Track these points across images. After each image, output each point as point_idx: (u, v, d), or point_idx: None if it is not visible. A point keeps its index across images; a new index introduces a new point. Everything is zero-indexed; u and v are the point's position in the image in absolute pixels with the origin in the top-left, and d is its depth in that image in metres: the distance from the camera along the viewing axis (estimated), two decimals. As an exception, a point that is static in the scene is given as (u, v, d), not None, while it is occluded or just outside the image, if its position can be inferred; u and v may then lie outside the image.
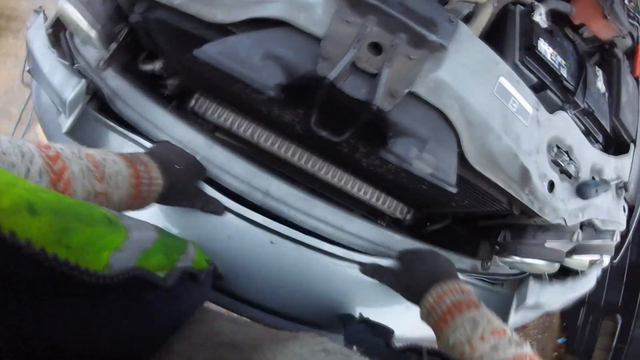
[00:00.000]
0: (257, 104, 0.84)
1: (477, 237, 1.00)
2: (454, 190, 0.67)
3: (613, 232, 1.00)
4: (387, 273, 0.81)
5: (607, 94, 1.05)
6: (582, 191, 0.85)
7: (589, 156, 0.89)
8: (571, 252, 0.99)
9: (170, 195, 0.68)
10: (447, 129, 0.68)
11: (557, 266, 0.93)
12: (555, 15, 1.02)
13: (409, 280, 0.76)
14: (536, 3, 0.97)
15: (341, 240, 0.85)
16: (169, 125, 0.83)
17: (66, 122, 0.82)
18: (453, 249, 0.97)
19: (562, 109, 0.85)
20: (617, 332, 2.06)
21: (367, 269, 0.84)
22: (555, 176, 0.80)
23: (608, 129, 0.99)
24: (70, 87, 0.85)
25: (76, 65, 0.84)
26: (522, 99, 0.74)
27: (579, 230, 0.90)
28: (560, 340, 2.52)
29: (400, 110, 0.66)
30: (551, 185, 0.79)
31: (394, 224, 1.09)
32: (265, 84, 0.61)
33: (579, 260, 1.01)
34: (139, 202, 0.62)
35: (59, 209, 0.29)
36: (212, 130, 1.03)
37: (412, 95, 0.66)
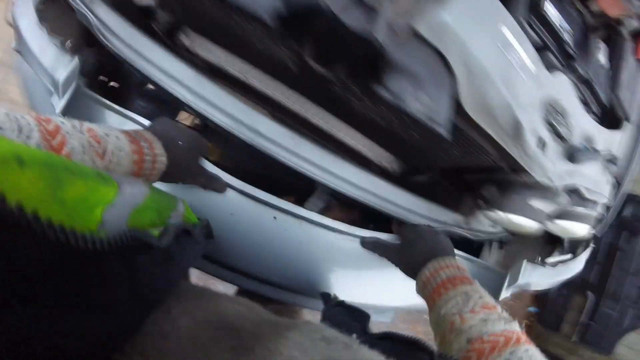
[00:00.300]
0: (250, 38, 0.83)
1: (462, 192, 1.01)
2: (446, 135, 0.68)
3: (597, 203, 1.02)
4: (387, 248, 0.85)
5: (607, 68, 1.05)
6: (572, 155, 0.86)
7: (582, 123, 0.90)
8: (554, 217, 1.01)
9: (173, 173, 0.66)
10: (445, 73, 0.69)
11: (538, 228, 0.94)
12: (565, -14, 1.02)
13: (408, 255, 0.80)
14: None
15: (328, 182, 0.86)
16: (159, 57, 0.82)
17: (59, 103, 0.80)
18: (437, 201, 0.99)
19: (561, 72, 0.85)
20: (586, 309, 2.12)
21: (367, 243, 0.88)
22: (547, 136, 0.81)
23: (605, 102, 0.99)
24: (63, 66, 0.82)
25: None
26: (524, 53, 0.74)
27: (564, 194, 0.92)
28: (531, 309, 2.59)
29: (399, 47, 0.66)
30: (542, 144, 0.80)
31: (382, 175, 1.10)
32: (260, 8, 0.61)
33: (561, 226, 1.03)
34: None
35: (49, 161, 0.28)
36: (202, 67, 1.02)
37: (414, 33, 0.66)
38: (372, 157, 1.07)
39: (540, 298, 2.47)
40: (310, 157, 0.86)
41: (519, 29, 0.74)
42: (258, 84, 0.96)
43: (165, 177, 0.66)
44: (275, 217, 0.85)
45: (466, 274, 0.72)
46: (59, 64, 0.84)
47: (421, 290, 0.74)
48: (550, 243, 1.49)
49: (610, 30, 1.15)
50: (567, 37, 0.88)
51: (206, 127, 1.33)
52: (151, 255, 0.40)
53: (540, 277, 1.18)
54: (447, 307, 0.63)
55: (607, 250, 1.97)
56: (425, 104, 0.66)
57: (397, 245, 0.85)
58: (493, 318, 0.58)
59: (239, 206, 0.82)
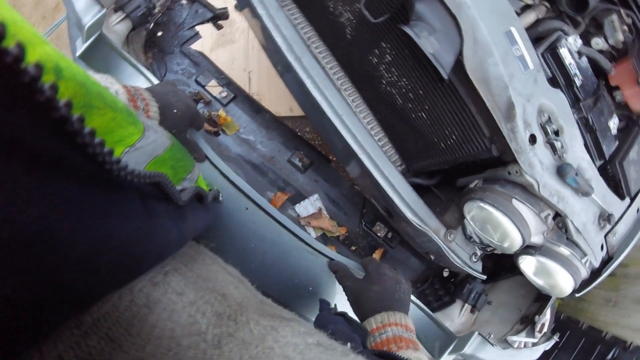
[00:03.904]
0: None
1: (450, 201, 0.98)
2: (445, 76, 0.71)
3: (584, 253, 0.93)
4: (348, 276, 0.76)
5: (616, 140, 1.04)
6: (562, 170, 0.82)
7: (579, 154, 0.88)
8: (538, 252, 0.92)
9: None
10: (456, 33, 0.74)
11: (517, 241, 0.86)
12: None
13: (362, 294, 0.70)
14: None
15: (341, 126, 0.88)
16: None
17: (81, 46, 0.82)
18: (428, 205, 0.96)
19: (561, 92, 0.86)
20: None
21: (332, 265, 0.81)
22: (539, 136, 0.80)
23: (606, 155, 0.96)
24: (91, 14, 0.83)
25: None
26: (526, 52, 0.78)
27: (550, 213, 0.86)
28: None
29: (426, 4, 0.73)
30: (532, 138, 0.79)
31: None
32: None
33: (544, 267, 0.94)
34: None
35: (85, 82, 0.26)
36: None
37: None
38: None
39: None
40: (334, 100, 0.89)
41: (526, 34, 0.79)
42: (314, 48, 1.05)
43: None
44: (247, 208, 0.79)
45: (413, 336, 0.64)
46: (89, 11, 0.84)
47: None
48: (522, 323, 1.34)
49: (629, 122, 1.16)
50: (577, 81, 0.91)
51: (233, 99, 1.42)
52: (166, 207, 0.36)
53: (489, 354, 1.03)
54: None
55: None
56: (434, 46, 0.71)
57: (357, 280, 0.75)
58: None
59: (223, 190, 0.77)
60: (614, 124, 1.03)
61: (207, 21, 1.51)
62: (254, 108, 1.46)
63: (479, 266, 1.03)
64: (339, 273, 0.77)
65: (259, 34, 1.06)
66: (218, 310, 0.36)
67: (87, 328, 0.26)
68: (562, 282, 0.95)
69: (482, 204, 0.83)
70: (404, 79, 0.89)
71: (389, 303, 0.67)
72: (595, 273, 1.01)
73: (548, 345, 1.22)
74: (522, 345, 1.21)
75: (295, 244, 0.81)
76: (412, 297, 0.86)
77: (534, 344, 1.22)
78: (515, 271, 1.32)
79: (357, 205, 1.46)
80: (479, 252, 1.01)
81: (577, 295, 0.98)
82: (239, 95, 1.44)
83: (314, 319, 0.88)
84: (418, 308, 0.94)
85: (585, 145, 0.94)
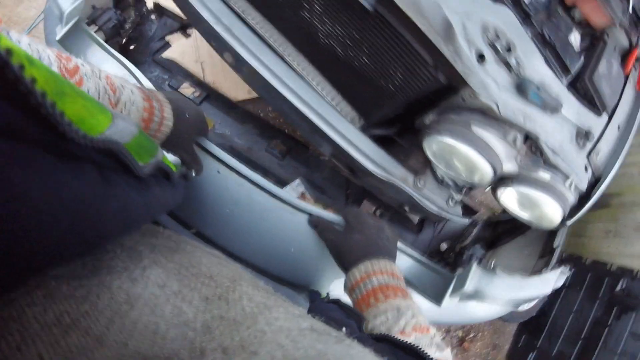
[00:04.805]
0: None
1: (412, 146, 0.90)
2: (370, 7, 0.65)
3: (566, 176, 0.85)
4: (329, 229, 0.71)
5: (581, 56, 0.96)
6: (521, 87, 0.75)
7: (539, 69, 0.80)
8: (516, 182, 0.85)
9: (171, 142, 0.60)
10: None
11: (487, 171, 0.79)
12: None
13: (343, 245, 0.66)
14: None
15: (308, 114, 0.83)
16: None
17: (60, 31, 0.85)
18: (391, 155, 0.89)
19: (507, 7, 0.79)
20: None
21: (312, 220, 0.75)
22: (489, 54, 0.73)
23: (571, 70, 0.88)
24: (70, 2, 0.87)
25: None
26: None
27: (517, 135, 0.78)
28: None
29: None
30: (480, 57, 0.72)
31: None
32: None
33: (527, 197, 0.86)
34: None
35: (53, 72, 0.28)
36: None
37: None
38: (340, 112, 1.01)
39: None
40: (299, 91, 0.85)
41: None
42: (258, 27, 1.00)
43: (163, 144, 0.60)
44: (218, 172, 0.74)
45: (401, 284, 0.59)
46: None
47: (349, 292, 0.61)
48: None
49: (593, 39, 1.08)
50: (525, -2, 0.83)
51: (206, 98, 1.39)
52: (128, 179, 0.36)
53: (495, 287, 0.92)
54: (375, 322, 0.53)
55: (593, 326, 1.53)
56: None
57: (338, 231, 0.70)
58: (424, 342, 0.49)
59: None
60: (575, 39, 0.95)
61: (176, 31, 1.57)
62: (227, 104, 1.46)
63: (458, 210, 0.95)
64: (319, 227, 0.73)
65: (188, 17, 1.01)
66: (206, 294, 0.34)
67: (66, 327, 0.26)
68: (549, 211, 0.87)
69: (439, 137, 0.76)
70: (338, 27, 0.83)
71: (372, 250, 0.63)
72: (583, 197, 0.92)
73: (559, 279, 1.11)
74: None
75: (271, 203, 0.75)
76: (400, 245, 0.79)
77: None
78: (515, 233, 1.25)
79: (340, 186, 1.42)
80: (455, 195, 0.93)
81: (568, 223, 0.90)
82: (210, 94, 1.45)
83: (297, 285, 0.82)
84: (407, 255, 0.86)
85: (547, 62, 0.87)
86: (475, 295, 0.89)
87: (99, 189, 0.30)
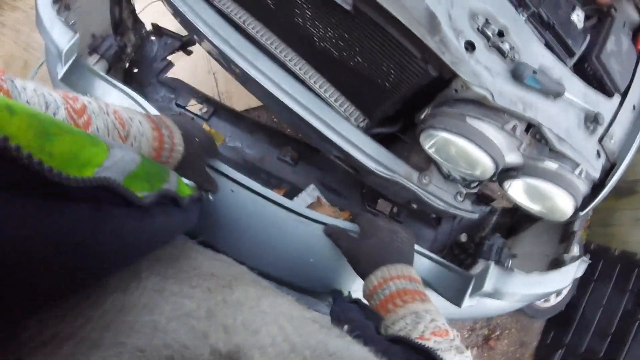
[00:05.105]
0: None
1: (414, 144, 0.87)
2: (348, 6, 0.65)
3: (576, 164, 0.79)
4: (344, 237, 0.71)
5: (586, 34, 0.90)
6: (516, 72, 0.71)
7: (537, 52, 0.75)
8: (518, 171, 0.80)
9: (184, 167, 0.60)
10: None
11: (488, 164, 0.74)
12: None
13: (360, 252, 0.66)
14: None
15: (308, 118, 0.82)
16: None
17: (61, 70, 0.85)
18: (395, 152, 0.86)
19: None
20: None
21: (326, 229, 0.75)
22: (478, 41, 0.69)
23: (575, 51, 0.83)
24: (66, 40, 0.87)
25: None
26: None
27: (516, 124, 0.73)
28: None
29: None
30: (470, 45, 0.68)
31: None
32: None
33: (536, 190, 0.80)
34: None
35: (37, 114, 0.27)
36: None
37: None
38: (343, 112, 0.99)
39: None
40: (300, 98, 0.84)
41: None
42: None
43: (175, 169, 0.59)
44: (232, 190, 0.75)
45: (419, 287, 0.59)
46: (64, 37, 0.88)
47: (367, 299, 0.61)
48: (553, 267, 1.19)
49: (601, 16, 1.02)
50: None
51: (214, 113, 1.40)
52: (129, 211, 0.35)
53: (513, 285, 0.89)
54: (394, 329, 0.52)
55: (622, 319, 1.42)
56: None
57: (354, 238, 0.70)
58: (444, 347, 0.48)
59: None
60: (577, 16, 0.89)
61: (177, 50, 1.57)
62: (235, 116, 1.46)
63: (467, 205, 0.91)
64: (334, 236, 0.72)
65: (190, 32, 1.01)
66: (209, 286, 0.34)
67: (63, 337, 0.26)
68: (560, 202, 0.81)
69: (433, 132, 0.72)
70: (329, 29, 0.81)
71: (388, 256, 0.63)
72: (598, 185, 0.86)
73: (579, 268, 1.05)
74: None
75: (285, 216, 0.75)
76: (417, 247, 0.78)
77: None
78: (534, 219, 1.19)
79: (355, 186, 1.39)
80: (463, 190, 0.89)
81: (581, 213, 0.84)
82: (218, 109, 1.45)
83: (320, 292, 0.82)
84: (424, 257, 0.84)
85: (547, 44, 0.82)
86: (494, 294, 0.86)
87: (92, 227, 0.30)
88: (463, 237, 1.31)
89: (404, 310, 0.54)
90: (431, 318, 0.52)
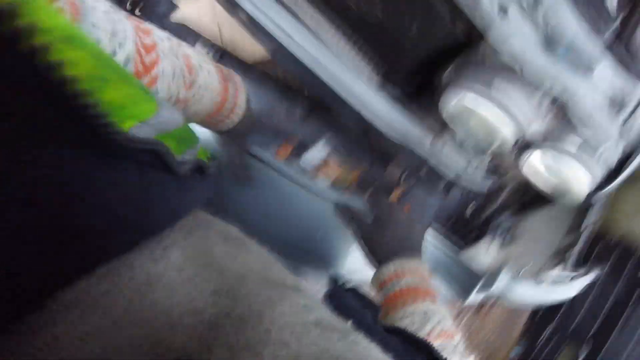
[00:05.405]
0: None
1: (431, 106, 0.84)
2: None
3: (596, 145, 0.77)
4: (354, 220, 0.70)
5: (619, 14, 0.85)
6: (550, 44, 0.67)
7: (570, 24, 0.71)
8: (536, 147, 0.78)
9: (232, 135, 0.57)
10: None
11: (510, 130, 0.72)
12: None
13: (373, 240, 0.66)
14: None
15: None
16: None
17: None
18: (408, 114, 0.83)
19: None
20: None
21: (338, 209, 0.75)
22: (513, 6, 0.65)
23: (608, 30, 0.79)
24: None
25: None
26: None
27: (545, 98, 0.71)
28: (514, 352, 1.96)
29: None
30: (503, 10, 0.64)
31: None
32: None
33: (549, 160, 0.78)
34: (210, 125, 0.52)
35: (100, 55, 0.25)
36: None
37: None
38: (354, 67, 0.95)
39: (528, 342, 1.87)
40: (309, 48, 0.80)
41: None
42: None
43: (225, 133, 0.57)
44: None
45: (430, 286, 0.59)
46: None
47: (375, 287, 0.62)
48: (557, 257, 1.20)
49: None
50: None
51: (220, 59, 1.34)
52: (165, 177, 0.35)
53: (520, 291, 0.93)
54: (401, 325, 0.53)
55: (614, 306, 1.46)
56: None
57: (367, 223, 0.69)
58: (448, 349, 0.49)
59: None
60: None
61: None
62: (243, 65, 1.36)
63: (477, 176, 0.89)
64: (345, 218, 0.72)
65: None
66: (215, 287, 0.34)
67: (85, 307, 0.25)
68: (576, 182, 0.79)
69: (456, 94, 0.69)
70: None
71: (402, 247, 0.63)
72: (613, 171, 0.84)
73: (588, 280, 1.08)
74: (551, 284, 1.08)
75: (295, 190, 0.74)
76: (429, 237, 0.79)
77: (571, 278, 1.09)
78: (545, 200, 1.18)
79: (365, 148, 1.36)
80: (475, 161, 0.87)
81: (594, 198, 0.83)
82: (225, 56, 1.35)
83: (326, 271, 0.84)
84: (436, 248, 0.84)
85: (580, 18, 0.77)
86: (500, 297, 0.88)
87: (139, 193, 0.30)
88: (469, 211, 1.31)
89: (412, 307, 0.54)
90: (439, 318, 0.52)
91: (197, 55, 0.45)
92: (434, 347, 0.42)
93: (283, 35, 0.82)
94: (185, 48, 0.43)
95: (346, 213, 0.72)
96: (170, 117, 0.35)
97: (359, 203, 0.75)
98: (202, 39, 1.38)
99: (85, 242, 0.25)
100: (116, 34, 0.33)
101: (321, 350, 0.29)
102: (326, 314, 0.35)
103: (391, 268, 0.60)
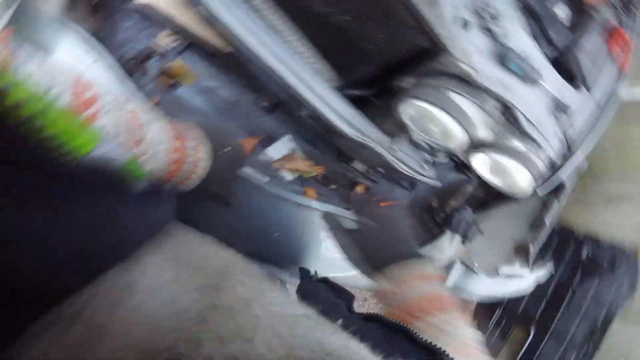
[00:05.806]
0: None
1: (388, 111, 0.90)
2: None
3: (540, 146, 0.87)
4: (342, 231, 0.68)
5: (568, 30, 0.96)
6: (503, 56, 0.75)
7: (523, 40, 0.80)
8: (489, 148, 0.86)
9: (207, 182, 0.54)
10: None
11: (460, 137, 0.80)
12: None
13: (367, 247, 0.64)
14: None
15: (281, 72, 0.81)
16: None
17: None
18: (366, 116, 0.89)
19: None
20: (527, 345, 1.70)
21: (327, 217, 0.75)
22: (473, 21, 0.73)
23: (557, 44, 0.88)
24: None
25: None
26: None
27: (495, 104, 0.79)
28: None
29: None
30: (464, 23, 0.72)
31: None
32: None
33: (498, 164, 0.88)
34: (169, 185, 0.48)
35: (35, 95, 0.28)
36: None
37: None
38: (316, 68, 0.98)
39: (480, 324, 2.03)
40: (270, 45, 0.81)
41: None
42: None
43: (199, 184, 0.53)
44: None
45: (443, 289, 0.57)
46: None
47: (378, 299, 0.60)
48: (517, 253, 1.28)
49: (581, 14, 1.07)
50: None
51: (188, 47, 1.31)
52: (123, 199, 0.35)
53: (475, 285, 0.98)
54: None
55: (557, 288, 1.63)
56: None
57: (352, 230, 0.67)
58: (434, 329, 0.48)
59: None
60: (561, 11, 0.95)
61: None
62: (211, 51, 1.24)
63: (431, 173, 0.97)
64: (332, 231, 0.72)
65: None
66: (200, 283, 0.34)
67: (68, 320, 0.26)
68: (520, 179, 0.89)
69: (415, 102, 0.77)
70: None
71: (400, 252, 0.61)
72: (556, 169, 0.95)
73: (542, 276, 1.16)
74: (505, 277, 1.14)
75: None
76: None
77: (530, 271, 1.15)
78: (508, 198, 1.26)
79: (330, 142, 1.38)
80: (430, 159, 0.95)
81: (539, 193, 0.93)
82: (194, 42, 1.23)
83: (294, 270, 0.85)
84: None
85: (532, 33, 0.87)
86: (454, 290, 0.93)
87: (95, 216, 0.31)
88: (434, 202, 1.37)
89: (424, 323, 0.51)
90: (456, 334, 0.49)
91: (149, 112, 0.43)
92: (410, 329, 0.42)
93: (244, 32, 0.82)
94: (135, 103, 0.41)
95: (333, 223, 0.71)
96: (113, 150, 0.34)
97: (343, 211, 0.76)
98: (172, 24, 1.34)
99: (31, 285, 0.25)
100: (52, 87, 0.31)
101: (316, 341, 0.28)
102: (312, 311, 0.35)
103: (395, 272, 0.58)
